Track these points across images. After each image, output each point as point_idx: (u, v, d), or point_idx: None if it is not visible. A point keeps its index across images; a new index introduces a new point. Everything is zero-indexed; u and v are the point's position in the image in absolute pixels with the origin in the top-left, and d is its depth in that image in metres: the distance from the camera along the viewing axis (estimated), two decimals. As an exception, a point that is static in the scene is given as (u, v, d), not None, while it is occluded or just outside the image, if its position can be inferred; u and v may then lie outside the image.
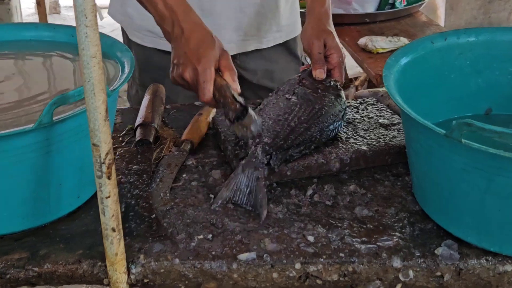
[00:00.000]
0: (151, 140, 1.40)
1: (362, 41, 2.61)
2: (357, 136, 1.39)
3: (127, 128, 1.50)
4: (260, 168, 1.25)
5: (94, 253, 1.12)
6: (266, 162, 1.27)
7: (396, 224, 1.19)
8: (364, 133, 1.40)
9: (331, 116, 1.38)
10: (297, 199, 1.26)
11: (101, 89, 0.96)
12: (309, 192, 1.27)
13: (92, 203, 1.23)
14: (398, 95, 1.14)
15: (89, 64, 0.94)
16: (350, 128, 1.43)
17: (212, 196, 1.27)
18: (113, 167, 1.01)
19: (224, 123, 1.42)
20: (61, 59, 1.38)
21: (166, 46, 1.48)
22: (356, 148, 1.35)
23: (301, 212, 1.22)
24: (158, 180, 1.30)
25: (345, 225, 1.18)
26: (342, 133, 1.40)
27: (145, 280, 1.12)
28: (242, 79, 1.48)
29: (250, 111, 1.24)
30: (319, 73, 1.46)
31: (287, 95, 1.41)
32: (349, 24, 2.87)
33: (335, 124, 1.38)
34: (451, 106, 1.36)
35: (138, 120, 1.44)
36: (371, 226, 1.18)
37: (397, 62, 1.24)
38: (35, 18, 5.18)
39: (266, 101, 1.42)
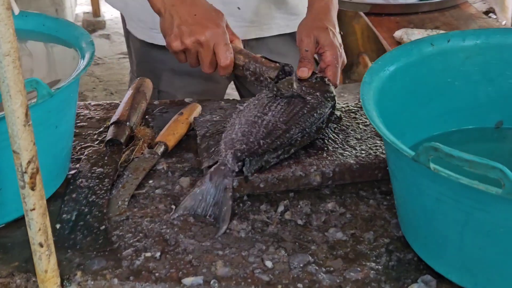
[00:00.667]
0: (122, 140, 1.28)
1: (397, 33, 2.43)
2: (346, 146, 1.24)
3: (105, 126, 1.40)
4: (229, 177, 1.13)
5: (30, 266, 1.02)
6: (237, 170, 1.14)
7: (371, 252, 1.04)
8: (355, 143, 1.25)
9: (315, 115, 1.24)
10: (266, 215, 1.13)
11: (18, 90, 0.85)
12: (281, 208, 1.14)
13: (43, 209, 1.13)
14: (374, 106, 0.99)
15: (1, 63, 0.83)
16: (340, 136, 1.28)
17: (173, 207, 1.15)
18: (38, 177, 0.91)
19: (204, 125, 1.31)
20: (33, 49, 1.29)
21: (162, 40, 1.39)
22: (341, 160, 1.20)
23: (267, 231, 1.09)
24: (120, 185, 1.19)
25: (312, 250, 1.05)
26: (330, 142, 1.25)
27: (83, 300, 1.02)
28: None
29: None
30: (301, 72, 1.33)
31: (268, 95, 1.27)
32: (389, 15, 2.69)
33: (319, 123, 1.24)
34: (455, 117, 1.20)
35: (113, 118, 1.34)
36: (342, 253, 1.04)
37: (385, 66, 1.09)
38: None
39: (247, 102, 1.29)
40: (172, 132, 1.30)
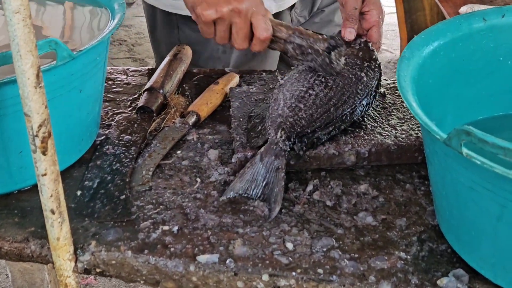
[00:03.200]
0: (153, 108, 1.24)
1: (463, 9, 2.30)
2: (386, 126, 1.16)
3: (139, 92, 1.36)
4: (281, 156, 1.06)
5: (46, 232, 1.00)
6: (289, 149, 1.08)
7: (402, 240, 0.97)
8: (396, 123, 1.17)
9: (363, 88, 1.16)
10: (293, 194, 1.07)
11: (29, 50, 0.81)
12: (310, 187, 1.08)
13: (66, 175, 1.11)
14: (412, 83, 0.91)
15: (12, 21, 0.79)
16: (382, 115, 1.20)
17: (198, 180, 1.10)
18: (50, 141, 0.87)
19: (240, 96, 1.25)
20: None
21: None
22: (379, 140, 1.12)
23: (293, 210, 1.03)
24: (146, 155, 1.15)
25: (337, 234, 0.98)
26: (369, 119, 1.18)
27: (97, 270, 0.99)
28: None
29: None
30: (349, 33, 1.23)
31: (308, 68, 1.20)
32: (456, -11, 2.55)
33: (368, 97, 1.17)
34: (504, 100, 1.10)
35: (147, 85, 1.30)
36: (370, 239, 0.97)
37: (429, 41, 1.00)
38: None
39: (287, 75, 1.22)
40: (205, 102, 1.25)
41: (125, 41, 4.30)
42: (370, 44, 1.25)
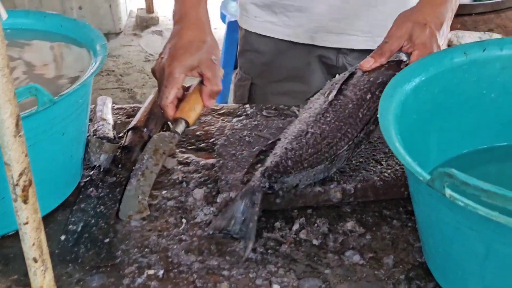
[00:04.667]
0: (137, 148, 1.23)
1: (448, 36, 2.31)
2: (371, 161, 1.16)
3: (124, 131, 1.35)
4: (257, 192, 1.05)
5: (29, 280, 0.98)
6: (267, 187, 1.06)
7: (389, 279, 0.96)
8: (382, 157, 1.17)
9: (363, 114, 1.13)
10: (280, 233, 1.06)
11: (7, 100, 0.81)
12: (296, 226, 1.07)
13: (49, 219, 1.10)
14: (395, 121, 0.91)
15: (-11, 71, 0.79)
16: (368, 149, 1.19)
17: (184, 221, 1.09)
18: (31, 189, 0.86)
19: (224, 132, 1.24)
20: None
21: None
22: (364, 176, 1.12)
23: (280, 251, 1.02)
24: (139, 173, 1.11)
25: (324, 274, 0.97)
26: (354, 156, 1.17)
27: (81, 318, 0.97)
28: None
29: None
30: (365, 62, 1.18)
31: (321, 97, 1.17)
32: (440, 16, 2.56)
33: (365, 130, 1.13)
34: (488, 133, 1.10)
35: (131, 124, 1.29)
36: (357, 278, 0.96)
37: (411, 77, 1.00)
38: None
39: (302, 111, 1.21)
40: (193, 108, 1.19)
41: (113, 71, 4.29)
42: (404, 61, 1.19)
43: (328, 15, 1.48)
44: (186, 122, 1.18)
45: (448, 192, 0.74)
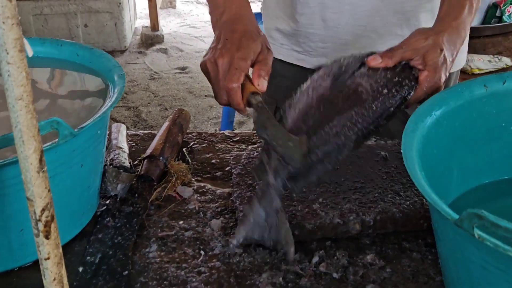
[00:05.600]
0: (153, 177, 1.23)
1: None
2: (390, 192, 1.15)
3: (139, 159, 1.35)
4: (276, 198, 1.04)
5: (48, 313, 0.98)
6: (284, 190, 1.06)
7: (411, 313, 0.96)
8: (400, 188, 1.16)
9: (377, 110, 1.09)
10: (299, 266, 1.05)
11: (31, 136, 0.80)
12: (315, 259, 1.06)
13: (67, 249, 1.09)
14: (418, 157, 0.90)
15: (14, 108, 0.78)
16: (386, 180, 1.19)
17: (202, 252, 1.09)
18: (53, 225, 0.86)
19: (240, 161, 1.24)
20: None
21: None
22: (383, 207, 1.11)
23: (300, 284, 1.02)
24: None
25: (346, 309, 0.97)
26: (374, 185, 1.17)
27: None
28: None
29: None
30: (372, 59, 1.15)
31: (324, 80, 1.15)
32: (448, 38, 2.57)
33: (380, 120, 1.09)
34: (508, 165, 1.09)
35: (147, 152, 1.29)
36: (379, 314, 0.96)
37: (432, 111, 1.00)
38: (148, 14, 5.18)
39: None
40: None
41: (118, 90, 4.29)
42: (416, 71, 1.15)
43: (352, 45, 1.48)
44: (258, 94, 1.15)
45: (478, 232, 0.73)
